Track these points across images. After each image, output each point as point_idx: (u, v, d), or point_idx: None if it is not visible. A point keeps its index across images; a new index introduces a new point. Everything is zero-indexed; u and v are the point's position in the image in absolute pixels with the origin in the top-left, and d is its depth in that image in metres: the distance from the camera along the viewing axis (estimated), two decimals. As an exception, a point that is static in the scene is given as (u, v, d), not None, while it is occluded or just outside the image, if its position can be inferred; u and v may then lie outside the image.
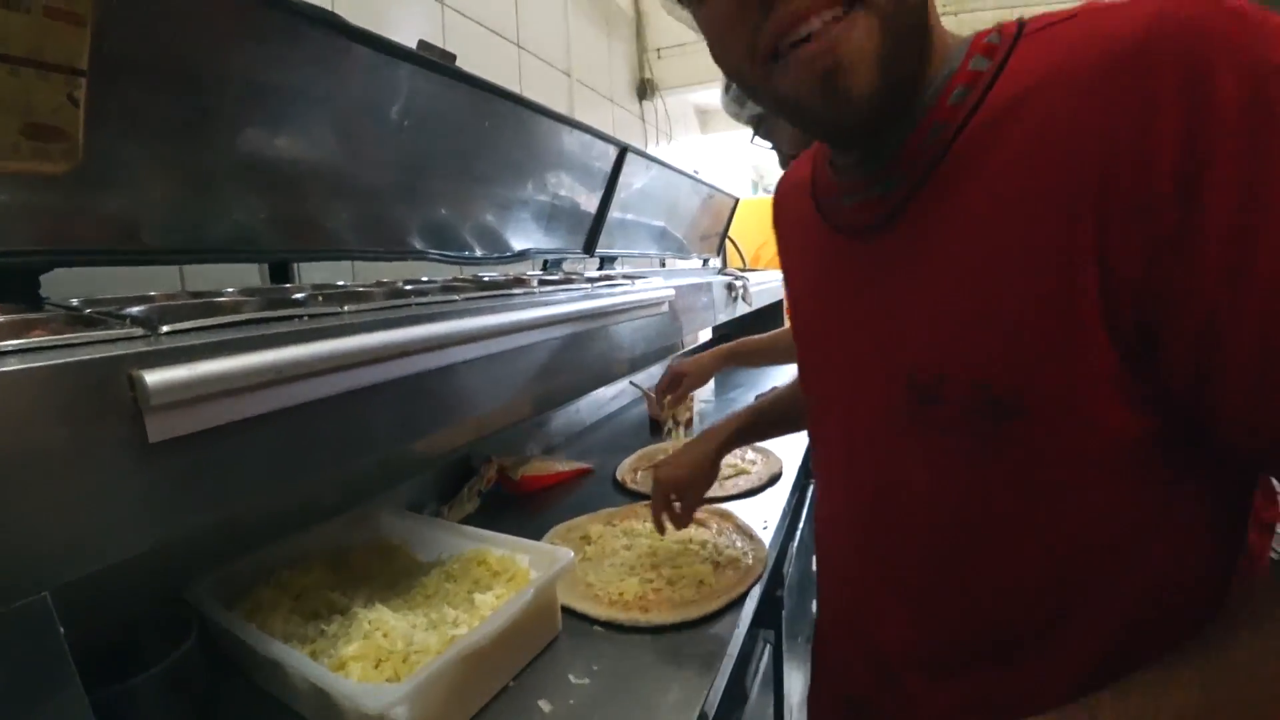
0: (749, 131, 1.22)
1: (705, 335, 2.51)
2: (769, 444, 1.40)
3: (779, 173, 0.89)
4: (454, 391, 0.73)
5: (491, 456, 1.29)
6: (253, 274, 1.07)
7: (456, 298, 0.75)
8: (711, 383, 2.42)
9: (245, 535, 0.91)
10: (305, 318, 0.59)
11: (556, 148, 1.42)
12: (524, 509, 1.23)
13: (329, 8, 1.20)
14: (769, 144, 1.19)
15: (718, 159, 3.84)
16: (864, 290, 0.51)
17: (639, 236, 2.05)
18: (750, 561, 0.92)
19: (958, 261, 0.42)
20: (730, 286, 1.79)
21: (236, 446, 0.49)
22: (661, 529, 0.93)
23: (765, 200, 1.00)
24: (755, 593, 0.90)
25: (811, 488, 1.44)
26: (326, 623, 0.73)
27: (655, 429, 1.69)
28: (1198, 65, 0.32)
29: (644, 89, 2.72)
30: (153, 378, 0.42)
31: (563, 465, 1.37)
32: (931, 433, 0.46)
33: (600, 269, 1.89)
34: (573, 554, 0.80)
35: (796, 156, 0.70)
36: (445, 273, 1.36)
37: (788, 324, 1.62)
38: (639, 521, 1.06)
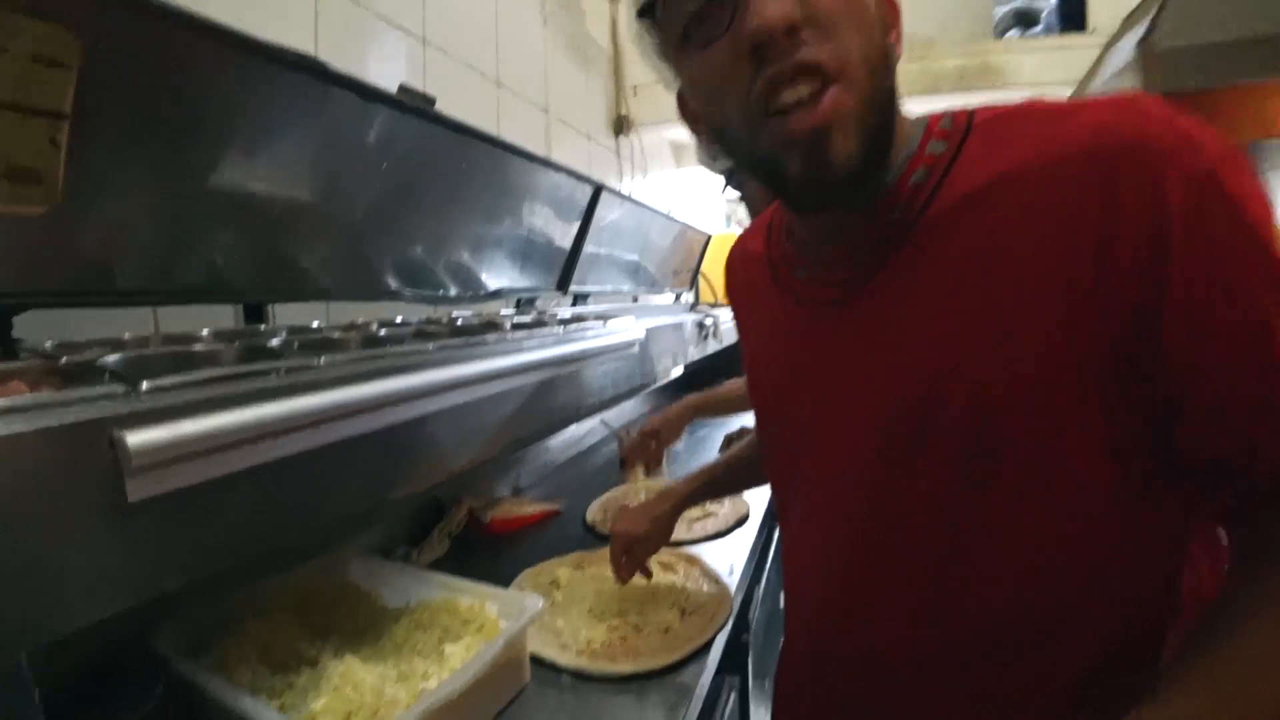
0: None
1: (677, 372, 2.54)
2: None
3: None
4: (429, 440, 0.74)
5: (462, 498, 1.29)
6: (226, 311, 1.07)
7: (430, 346, 0.77)
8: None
9: (212, 579, 0.90)
10: (282, 371, 0.60)
11: (532, 187, 1.45)
12: (494, 551, 1.23)
13: (312, 49, 1.23)
14: (739, 194, 1.23)
15: (692, 193, 3.91)
16: (833, 354, 0.54)
17: (612, 271, 2.09)
18: (716, 608, 0.94)
19: (932, 326, 0.46)
20: (701, 325, 1.82)
21: (214, 503, 0.50)
22: (620, 577, 0.95)
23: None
24: (721, 639, 0.91)
25: (778, 531, 1.46)
26: (295, 674, 0.72)
27: (625, 468, 1.71)
28: (1150, 175, 0.38)
29: (620, 124, 2.78)
30: (135, 439, 0.42)
31: (532, 507, 1.37)
32: (914, 480, 0.48)
33: (573, 305, 1.91)
34: (541, 602, 0.81)
35: (767, 204, 0.72)
36: (420, 311, 1.37)
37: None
38: (608, 566, 1.07)
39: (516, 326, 1.03)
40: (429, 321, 1.18)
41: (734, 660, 1.06)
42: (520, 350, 0.85)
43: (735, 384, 1.54)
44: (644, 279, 2.32)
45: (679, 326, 1.59)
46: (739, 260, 0.71)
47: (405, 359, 0.70)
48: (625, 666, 0.82)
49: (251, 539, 0.54)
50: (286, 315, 1.12)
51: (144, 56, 0.68)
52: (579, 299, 1.89)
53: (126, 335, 0.84)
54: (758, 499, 1.39)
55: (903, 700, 0.53)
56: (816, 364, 0.55)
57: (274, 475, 0.54)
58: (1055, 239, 0.41)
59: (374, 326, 1.04)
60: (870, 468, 0.51)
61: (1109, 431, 0.42)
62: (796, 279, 0.58)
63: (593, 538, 1.29)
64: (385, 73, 1.43)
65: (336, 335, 0.85)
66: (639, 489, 1.47)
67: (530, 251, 1.55)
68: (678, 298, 2.85)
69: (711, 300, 2.99)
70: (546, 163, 1.40)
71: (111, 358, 0.63)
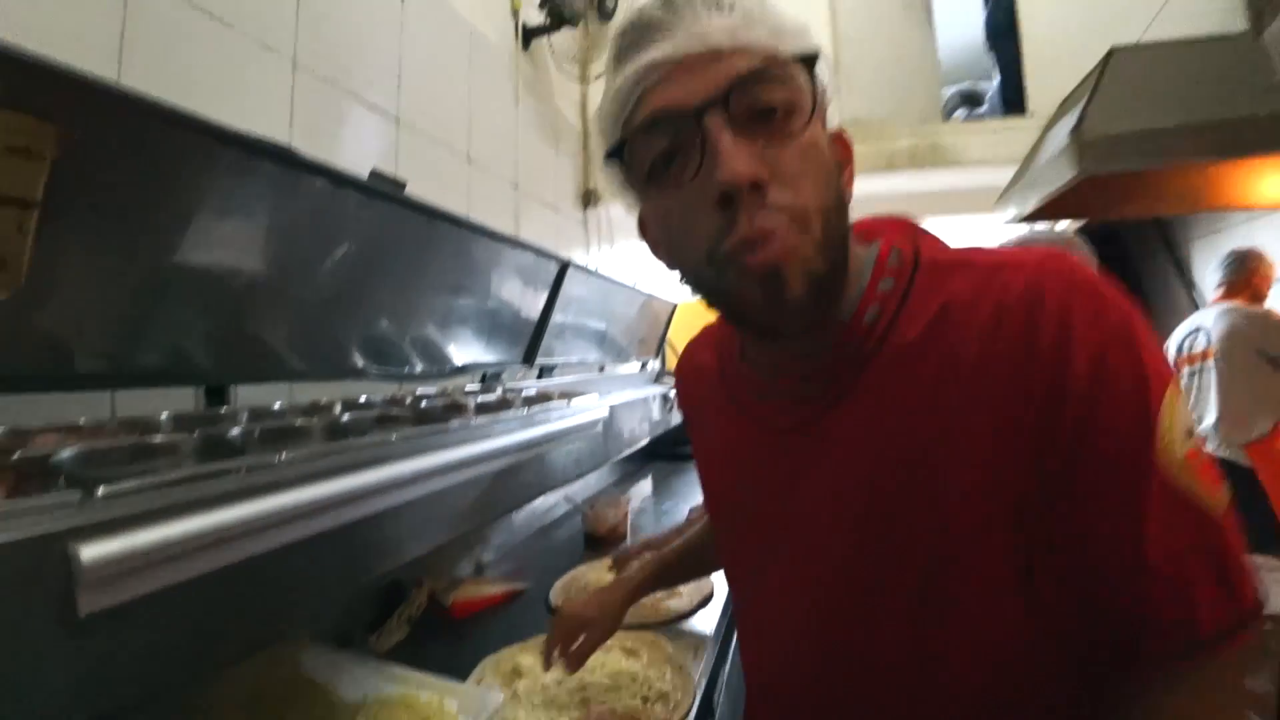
0: None
1: (643, 443, 2.55)
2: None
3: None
4: (392, 532, 0.74)
5: (422, 579, 1.27)
6: (187, 389, 1.06)
7: (393, 436, 0.77)
8: (649, 483, 2.45)
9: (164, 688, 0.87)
10: (243, 470, 0.60)
11: (500, 264, 1.48)
12: (455, 634, 1.21)
13: (287, 128, 1.26)
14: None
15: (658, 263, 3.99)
16: (794, 480, 0.55)
17: (579, 341, 2.11)
18: (680, 696, 0.93)
19: (886, 466, 0.48)
20: (665, 398, 1.85)
21: (169, 610, 0.49)
22: (548, 664, 0.90)
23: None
24: (685, 728, 0.90)
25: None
26: (239, 779, 0.70)
27: (590, 544, 1.69)
28: (1061, 333, 0.42)
29: (588, 198, 2.85)
30: (89, 552, 0.42)
31: (495, 587, 1.35)
32: (875, 605, 0.50)
33: (539, 377, 1.93)
34: (501, 696, 0.80)
35: None
36: (385, 388, 1.37)
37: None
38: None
39: (481, 409, 1.04)
40: (392, 402, 1.18)
41: (699, 748, 1.04)
42: (484, 437, 0.86)
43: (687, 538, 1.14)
44: (610, 348, 2.35)
45: (643, 401, 1.61)
46: (691, 373, 0.72)
47: (368, 452, 0.70)
48: (587, 761, 0.80)
49: (207, 644, 0.53)
50: (248, 391, 1.11)
51: (116, 145, 0.70)
52: (545, 371, 1.90)
53: (82, 421, 0.83)
54: (722, 580, 1.38)
55: None
56: (776, 488, 0.57)
57: (233, 578, 0.54)
58: (988, 390, 0.44)
59: (337, 409, 1.04)
60: (833, 592, 0.52)
61: (1029, 569, 0.44)
62: (755, 402, 0.59)
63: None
64: (358, 150, 1.46)
65: (299, 422, 0.85)
66: (603, 569, 1.46)
67: (497, 326, 1.57)
68: (644, 366, 2.88)
69: (677, 367, 3.02)
70: (515, 242, 1.43)
71: (67, 452, 0.62)
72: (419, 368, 1.34)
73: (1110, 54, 2.11)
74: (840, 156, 0.51)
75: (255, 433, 0.80)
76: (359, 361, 1.20)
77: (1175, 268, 5.02)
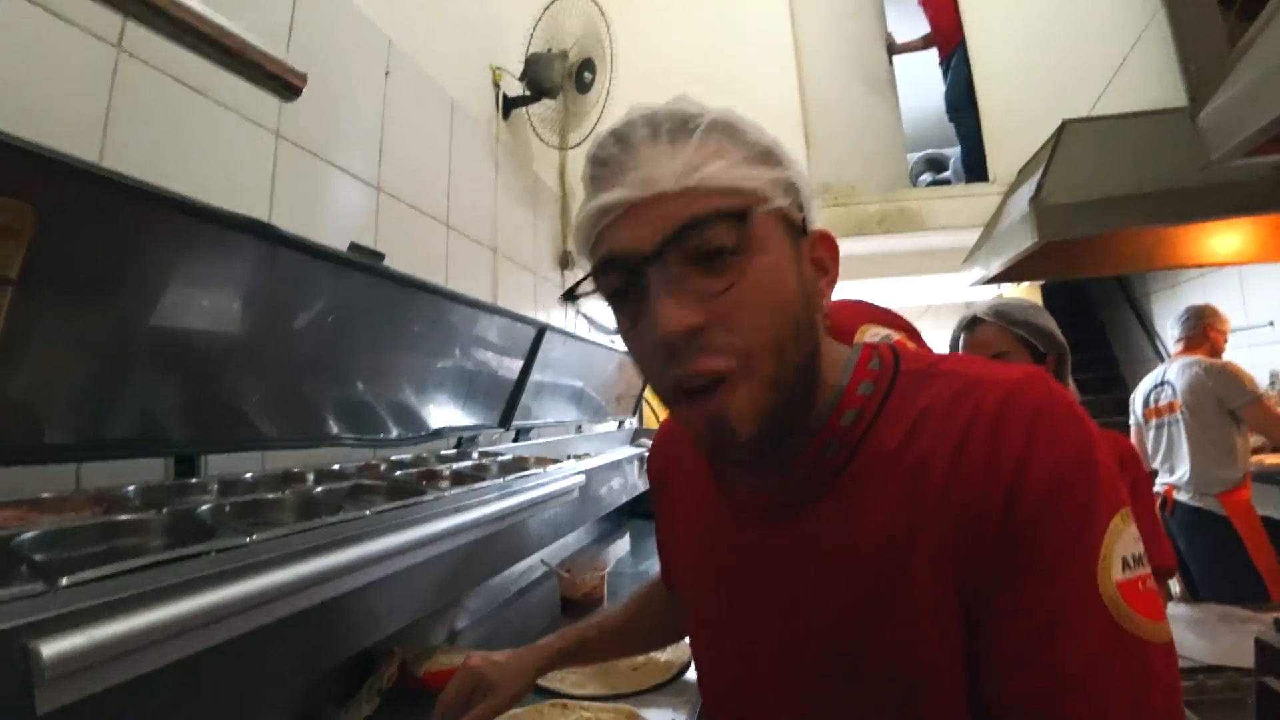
0: None
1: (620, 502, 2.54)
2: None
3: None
4: (366, 611, 0.73)
5: (393, 649, 1.24)
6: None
7: (368, 512, 0.77)
8: (626, 542, 2.42)
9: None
10: (212, 553, 0.59)
11: (478, 330, 1.50)
12: (427, 705, 1.16)
13: (268, 198, 1.28)
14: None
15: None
16: (770, 568, 0.55)
17: (556, 401, 2.12)
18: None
19: (858, 567, 0.49)
20: (643, 459, 1.85)
21: (132, 702, 0.48)
22: None
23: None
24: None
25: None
26: None
27: (566, 608, 1.66)
28: (1022, 460, 0.43)
29: (566, 260, 2.90)
30: (50, 649, 0.42)
31: (467, 656, 1.32)
32: (844, 705, 0.50)
33: (516, 439, 1.92)
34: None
35: None
36: (360, 455, 1.36)
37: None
38: (543, 724, 1.03)
39: (456, 478, 1.04)
40: (366, 469, 1.17)
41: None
42: (461, 509, 0.86)
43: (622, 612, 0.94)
44: (588, 407, 2.36)
45: (621, 464, 1.61)
46: (673, 443, 0.72)
47: (341, 530, 0.70)
48: None
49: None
50: (220, 457, 1.10)
51: (92, 222, 0.71)
52: (522, 434, 1.90)
53: (46, 494, 0.81)
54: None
55: None
56: (751, 568, 0.57)
57: (201, 665, 0.53)
58: (955, 502, 0.45)
59: (310, 478, 1.03)
60: (804, 684, 0.53)
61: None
62: (736, 482, 0.59)
63: (534, 694, 1.24)
64: (339, 218, 1.49)
65: (271, 496, 0.85)
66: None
67: (474, 390, 1.58)
68: (621, 425, 2.89)
69: (655, 426, 3.03)
70: (493, 308, 1.46)
71: (29, 534, 0.62)
72: (394, 433, 1.34)
73: (1063, 126, 2.23)
74: (821, 260, 0.52)
75: (226, 508, 0.80)
76: (334, 428, 1.20)
77: (1138, 319, 5.19)
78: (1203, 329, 2.65)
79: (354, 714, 1.11)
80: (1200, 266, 3.84)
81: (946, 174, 5.28)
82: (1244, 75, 1.28)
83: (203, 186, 1.11)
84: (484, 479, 1.06)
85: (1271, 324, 3.67)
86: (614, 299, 0.50)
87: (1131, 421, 2.86)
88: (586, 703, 1.08)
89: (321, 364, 1.13)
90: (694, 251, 0.45)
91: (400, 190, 1.70)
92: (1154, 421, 2.70)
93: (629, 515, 2.68)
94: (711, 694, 0.66)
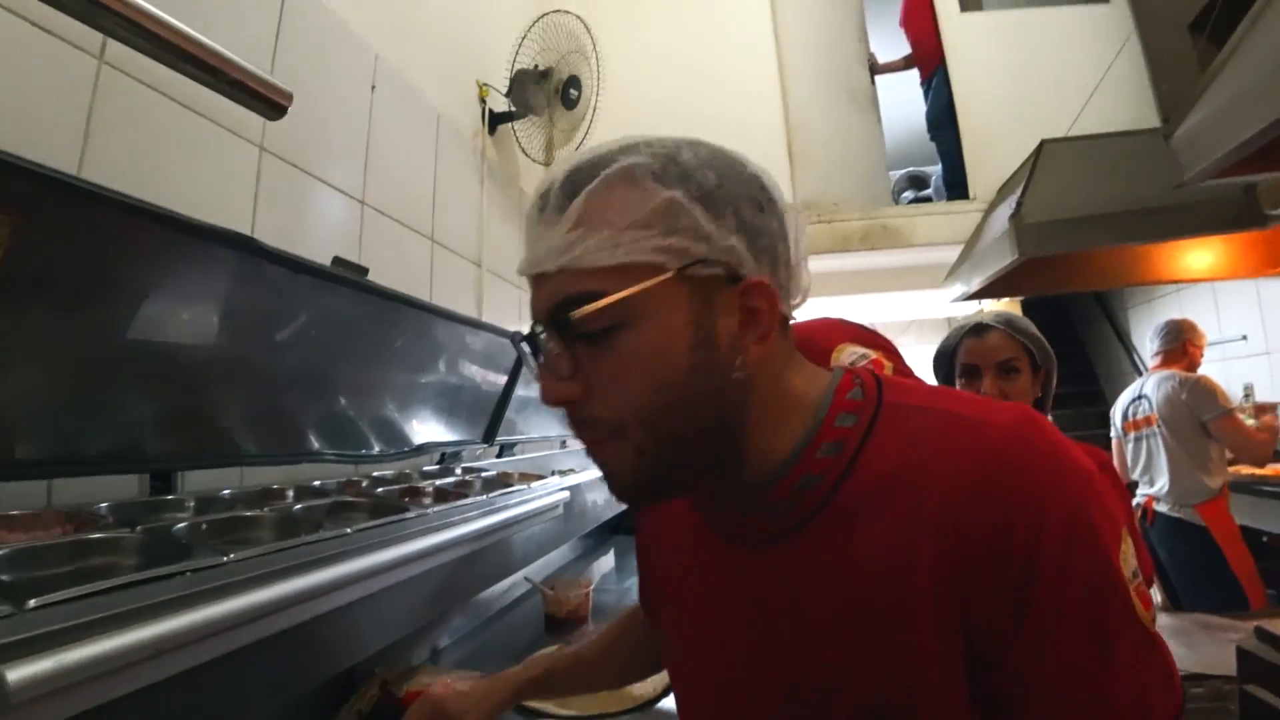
0: None
1: (606, 518, 2.52)
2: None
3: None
4: (347, 631, 0.72)
5: (374, 669, 1.21)
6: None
7: (349, 529, 0.76)
8: (611, 558, 2.41)
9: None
10: (188, 574, 0.58)
11: (462, 345, 1.49)
12: (406, 729, 1.15)
13: (251, 212, 1.27)
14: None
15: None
16: (746, 595, 0.54)
17: (540, 416, 2.11)
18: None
19: (846, 600, 0.48)
20: (628, 474, 1.84)
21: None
22: None
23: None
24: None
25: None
26: None
27: (550, 626, 1.65)
28: (1037, 512, 0.44)
29: (551, 274, 2.90)
30: (16, 674, 0.40)
31: (451, 677, 1.30)
32: None
33: (500, 455, 1.91)
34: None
35: None
36: (341, 471, 1.34)
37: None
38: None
39: (439, 494, 1.03)
40: (347, 485, 1.16)
41: None
42: (444, 526, 0.85)
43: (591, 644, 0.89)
44: (573, 422, 2.35)
45: (602, 479, 1.60)
46: None
47: (321, 549, 0.68)
48: None
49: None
50: (196, 473, 1.08)
51: (69, 233, 0.70)
52: (505, 449, 1.89)
53: (14, 511, 0.79)
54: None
55: None
56: (734, 594, 0.56)
57: (174, 689, 0.52)
58: (944, 553, 0.45)
59: (289, 495, 1.02)
60: (784, 712, 0.52)
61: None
62: (719, 512, 0.58)
63: (515, 713, 1.22)
64: (323, 231, 1.48)
65: (249, 513, 0.83)
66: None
67: (457, 405, 1.57)
68: (607, 438, 2.87)
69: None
70: (477, 323, 1.45)
71: (-1, 553, 0.60)
72: (376, 449, 1.32)
73: (1041, 145, 2.27)
74: (751, 309, 0.49)
75: (202, 526, 0.78)
76: (315, 444, 1.18)
77: (1115, 334, 5.28)
78: (1181, 344, 2.70)
79: (333, 736, 1.09)
80: (1175, 282, 3.92)
81: (928, 191, 5.35)
82: (1214, 99, 1.31)
83: (185, 199, 1.10)
84: (467, 496, 1.05)
85: (1245, 338, 3.74)
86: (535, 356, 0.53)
87: (1112, 434, 2.90)
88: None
89: (303, 379, 1.12)
90: (566, 329, 0.47)
91: (385, 204, 1.70)
92: (1133, 434, 2.74)
93: (613, 531, 2.67)
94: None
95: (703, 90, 3.38)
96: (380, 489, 1.11)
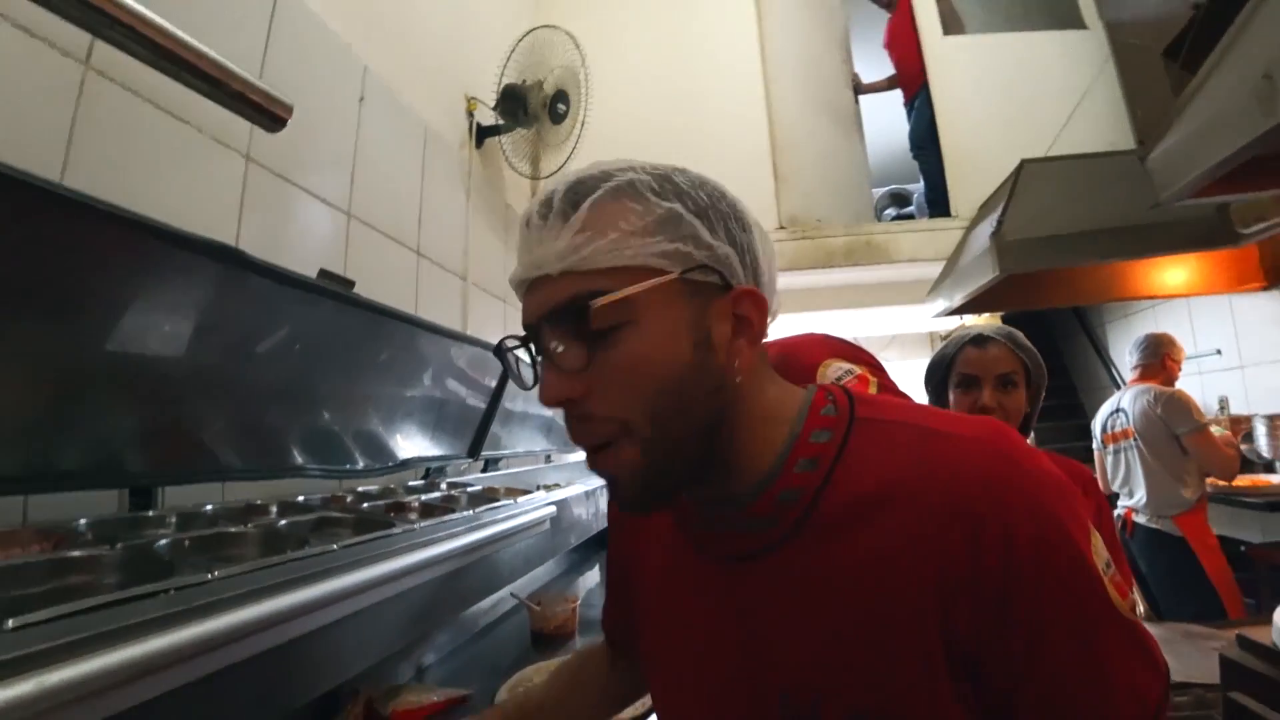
0: None
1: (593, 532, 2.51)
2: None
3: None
4: (332, 647, 0.71)
5: (359, 687, 1.19)
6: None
7: (334, 545, 0.75)
8: (597, 572, 2.39)
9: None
10: (171, 592, 0.57)
11: (447, 358, 1.48)
12: (390, 748, 1.13)
13: (236, 223, 1.26)
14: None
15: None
16: (732, 610, 0.54)
17: (526, 430, 2.10)
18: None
19: (829, 609, 0.49)
20: (614, 488, 1.84)
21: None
22: None
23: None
24: None
25: None
26: None
27: (536, 642, 1.63)
28: (1007, 518, 0.45)
29: (537, 287, 2.89)
30: (-6, 697, 0.39)
31: (437, 694, 1.28)
32: None
33: (485, 469, 1.90)
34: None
35: None
36: (325, 487, 1.33)
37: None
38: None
39: (425, 509, 1.02)
40: (332, 500, 1.15)
41: None
42: (430, 542, 0.84)
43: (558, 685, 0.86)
44: (558, 436, 2.35)
45: (590, 495, 1.60)
46: None
47: (306, 565, 0.68)
48: None
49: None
50: (178, 489, 1.06)
51: (52, 242, 0.69)
52: (491, 464, 1.87)
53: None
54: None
55: None
56: (717, 618, 0.56)
57: (156, 711, 0.51)
58: (937, 556, 0.46)
59: (273, 511, 1.00)
60: None
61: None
62: (700, 529, 0.59)
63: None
64: (308, 242, 1.47)
65: (232, 529, 0.82)
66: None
67: (443, 420, 1.56)
68: (592, 452, 2.86)
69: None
70: (462, 336, 1.44)
71: (-26, 571, 0.59)
72: (361, 464, 1.31)
73: (1022, 165, 2.32)
74: (742, 316, 0.51)
75: (185, 543, 0.77)
76: (299, 459, 1.17)
77: (1094, 348, 5.36)
78: (1160, 358, 2.75)
79: (315, 757, 1.07)
80: (1152, 298, 4.00)
81: (910, 209, 5.43)
82: (1187, 124, 1.35)
83: (169, 208, 1.09)
84: (453, 511, 1.04)
85: (1219, 352, 3.82)
86: (532, 359, 0.53)
87: (1094, 446, 2.94)
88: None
89: (287, 393, 1.11)
90: (569, 329, 0.48)
91: (371, 217, 1.69)
92: (1111, 447, 2.78)
93: (600, 546, 2.65)
94: None
95: (690, 108, 3.41)
96: (365, 504, 1.10)
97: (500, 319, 2.49)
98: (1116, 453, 2.75)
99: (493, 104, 2.32)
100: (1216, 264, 2.41)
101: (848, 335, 1.07)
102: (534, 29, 2.39)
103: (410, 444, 1.45)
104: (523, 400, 1.91)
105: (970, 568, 0.45)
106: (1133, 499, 2.66)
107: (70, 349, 0.77)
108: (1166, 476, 2.53)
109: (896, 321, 4.63)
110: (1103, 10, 3.31)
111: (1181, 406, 2.53)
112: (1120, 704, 0.45)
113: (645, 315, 0.48)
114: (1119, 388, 2.94)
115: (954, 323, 3.08)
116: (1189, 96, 1.33)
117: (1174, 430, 2.52)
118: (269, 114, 0.80)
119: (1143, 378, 2.75)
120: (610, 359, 0.48)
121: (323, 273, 1.10)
